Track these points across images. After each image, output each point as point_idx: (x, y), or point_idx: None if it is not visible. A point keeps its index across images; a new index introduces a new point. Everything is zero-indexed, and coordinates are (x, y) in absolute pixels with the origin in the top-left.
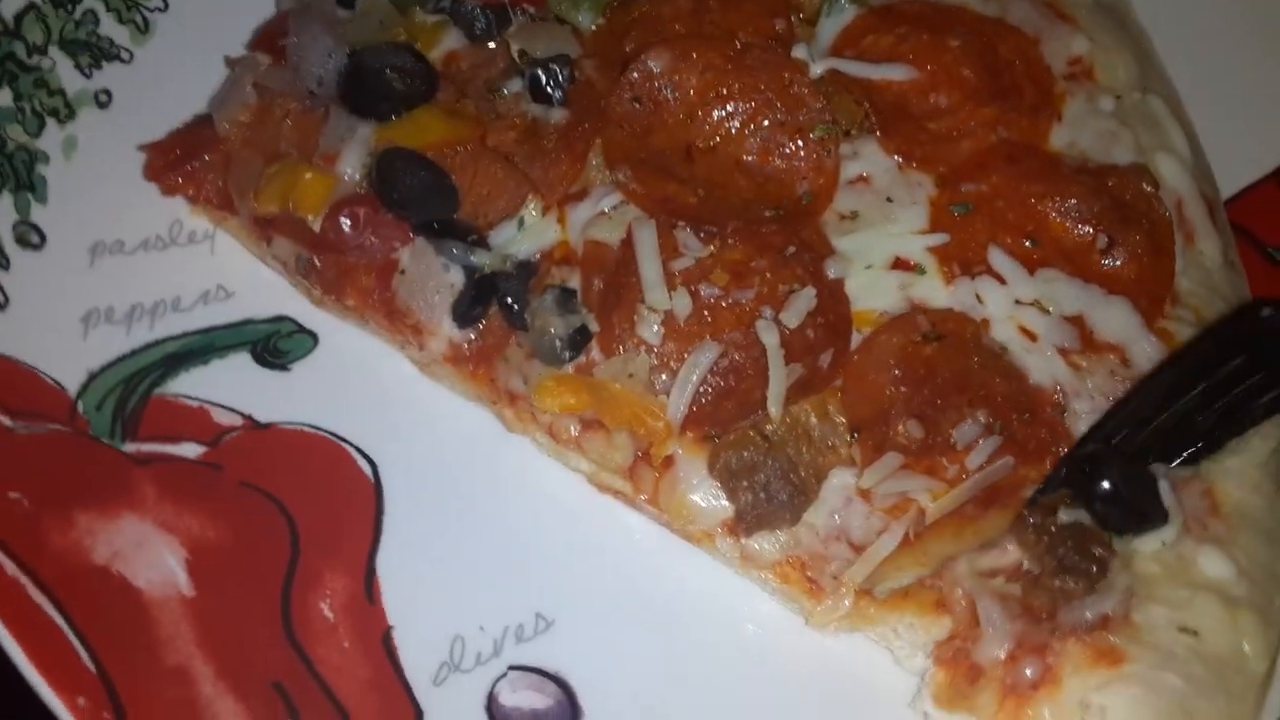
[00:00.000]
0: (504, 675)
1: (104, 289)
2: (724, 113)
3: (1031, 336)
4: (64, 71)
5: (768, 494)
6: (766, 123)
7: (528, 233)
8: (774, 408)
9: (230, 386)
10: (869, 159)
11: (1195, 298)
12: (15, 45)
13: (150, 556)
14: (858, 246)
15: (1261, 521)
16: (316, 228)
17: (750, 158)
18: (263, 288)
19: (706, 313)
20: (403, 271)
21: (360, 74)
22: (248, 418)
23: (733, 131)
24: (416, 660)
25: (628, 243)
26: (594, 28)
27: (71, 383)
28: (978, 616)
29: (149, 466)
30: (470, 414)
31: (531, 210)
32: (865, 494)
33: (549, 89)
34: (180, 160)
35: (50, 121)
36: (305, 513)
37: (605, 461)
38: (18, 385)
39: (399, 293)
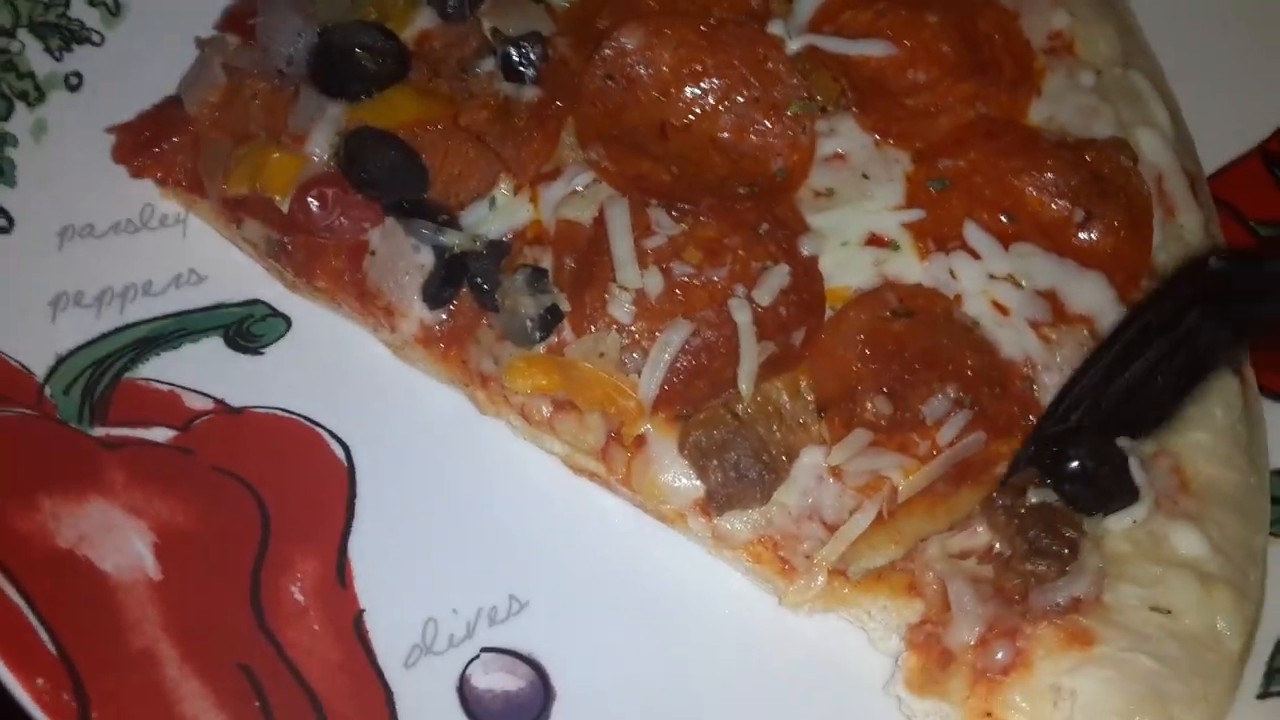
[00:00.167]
0: (476, 657)
1: (73, 272)
2: (698, 90)
3: (1004, 311)
4: (33, 54)
5: (738, 473)
6: (741, 99)
7: (499, 212)
8: (745, 386)
9: (202, 370)
10: (845, 136)
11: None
12: None
13: (117, 541)
14: (833, 223)
15: (1234, 496)
16: (285, 209)
17: (725, 135)
18: (235, 271)
19: (678, 291)
20: (373, 252)
21: (330, 53)
22: (220, 402)
23: (707, 108)
24: (388, 643)
25: (600, 221)
26: (567, 5)
27: (39, 366)
28: (949, 600)
29: (118, 451)
30: (444, 397)
31: (503, 190)
32: (837, 472)
33: (521, 67)
34: (149, 142)
35: (19, 105)
36: (277, 496)
37: (578, 443)
38: None
39: (369, 274)
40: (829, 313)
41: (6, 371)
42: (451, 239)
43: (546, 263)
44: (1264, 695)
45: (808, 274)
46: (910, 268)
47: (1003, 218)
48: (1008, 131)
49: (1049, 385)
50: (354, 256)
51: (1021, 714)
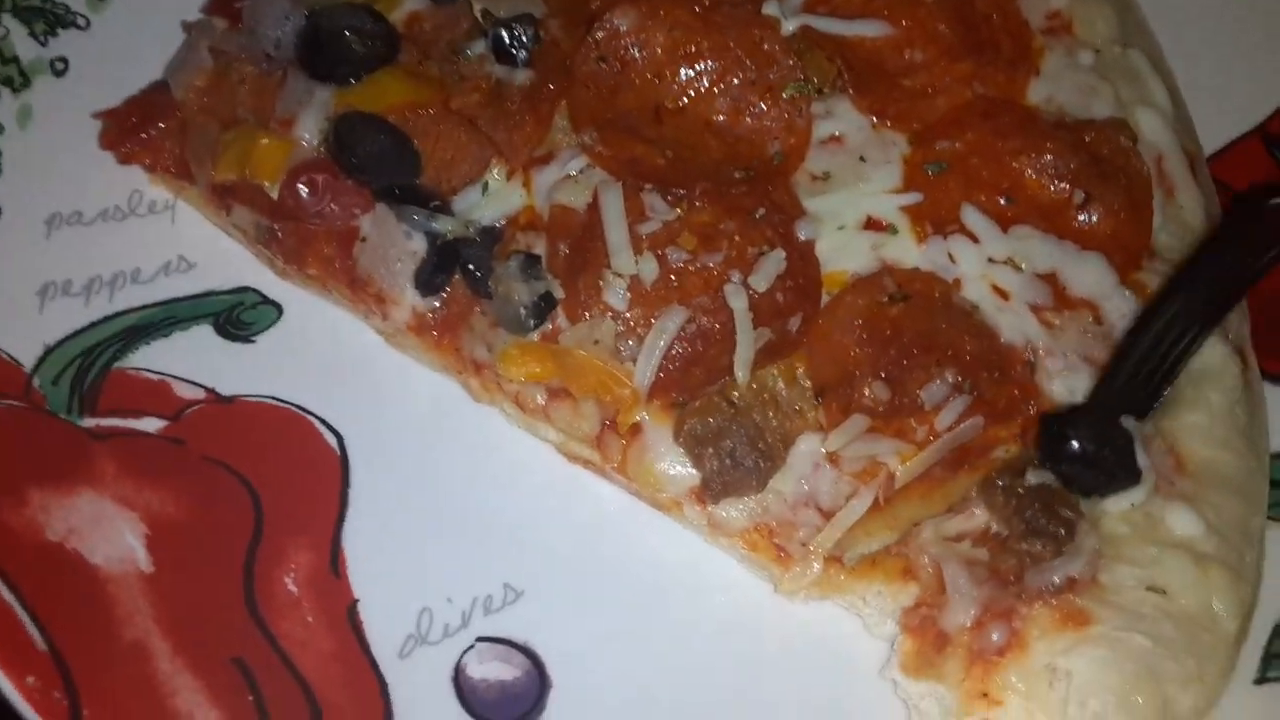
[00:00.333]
0: (471, 647)
1: (61, 261)
2: (693, 72)
3: (1004, 295)
4: (18, 39)
5: (734, 460)
6: (736, 81)
7: (492, 198)
8: (741, 373)
9: (192, 359)
10: (842, 118)
11: (1174, 252)
12: None
13: (108, 533)
14: (829, 207)
15: (1233, 477)
16: (274, 195)
17: (720, 118)
18: (225, 258)
19: (673, 277)
20: (364, 239)
21: (318, 36)
22: (210, 391)
23: (702, 91)
24: (382, 633)
25: (594, 207)
26: None
27: (27, 357)
28: (944, 583)
29: (108, 441)
30: (437, 384)
31: (496, 174)
32: (834, 459)
33: (513, 49)
34: (136, 128)
35: (4, 91)
36: (269, 486)
37: (572, 430)
38: None
39: (360, 261)
40: (826, 298)
41: None
42: (444, 225)
43: (540, 249)
44: (1261, 680)
45: (804, 259)
46: (908, 251)
47: (1001, 200)
48: (1006, 112)
49: (1053, 370)
50: (345, 243)
51: (1018, 694)
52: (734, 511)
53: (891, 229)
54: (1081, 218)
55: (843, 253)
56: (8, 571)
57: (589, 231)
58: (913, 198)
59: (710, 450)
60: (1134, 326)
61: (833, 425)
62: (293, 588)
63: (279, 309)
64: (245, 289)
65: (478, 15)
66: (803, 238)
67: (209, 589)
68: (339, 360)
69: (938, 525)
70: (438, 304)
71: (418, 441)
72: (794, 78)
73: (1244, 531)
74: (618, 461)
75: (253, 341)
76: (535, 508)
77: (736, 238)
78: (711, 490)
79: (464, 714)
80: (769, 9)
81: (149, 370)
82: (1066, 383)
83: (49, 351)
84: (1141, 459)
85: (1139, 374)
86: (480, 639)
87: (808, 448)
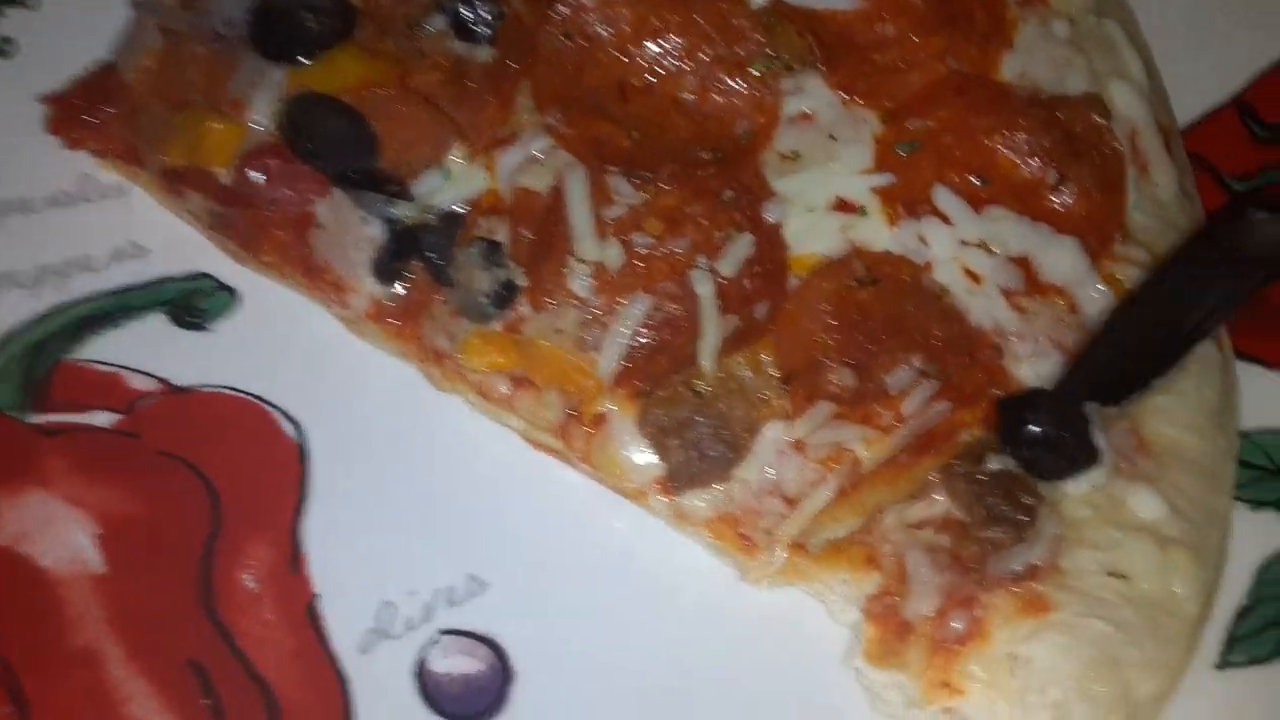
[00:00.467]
0: (435, 641)
1: (9, 250)
2: (659, 48)
3: (976, 278)
4: None
5: (698, 451)
6: (704, 58)
7: (453, 181)
8: (707, 362)
9: (146, 349)
10: (812, 94)
11: (1148, 232)
12: None
13: (58, 534)
14: (798, 188)
15: (1198, 459)
16: (227, 181)
17: (688, 95)
18: (179, 244)
19: (639, 263)
20: (320, 225)
21: (270, 13)
22: (165, 382)
23: (669, 68)
24: (343, 629)
25: (558, 191)
26: None
27: None
28: (906, 571)
29: (58, 438)
30: (400, 372)
31: (457, 157)
32: (799, 446)
33: (474, 26)
34: (84, 112)
35: None
36: (227, 480)
37: (536, 420)
38: None
39: (317, 248)
40: (793, 281)
41: None
42: (402, 211)
43: (502, 235)
44: (1223, 665)
45: (771, 242)
46: (879, 234)
47: (974, 180)
48: (979, 88)
49: (1022, 356)
50: (301, 229)
51: (979, 683)
52: (699, 501)
53: (861, 210)
54: (1055, 198)
55: (811, 235)
56: None
57: (553, 216)
58: (884, 179)
59: (675, 441)
60: (1110, 317)
61: (798, 412)
62: (251, 585)
63: (235, 295)
64: (200, 275)
65: None
66: (770, 220)
67: (164, 589)
68: (298, 348)
69: (900, 512)
70: (398, 291)
71: (379, 430)
72: (763, 54)
73: (1208, 513)
74: (582, 451)
75: (208, 329)
76: (500, 497)
77: (703, 221)
78: (676, 481)
79: (426, 709)
80: None
81: (101, 362)
82: (1035, 368)
83: None
84: (1100, 440)
85: (1113, 365)
86: (443, 632)
87: (773, 435)
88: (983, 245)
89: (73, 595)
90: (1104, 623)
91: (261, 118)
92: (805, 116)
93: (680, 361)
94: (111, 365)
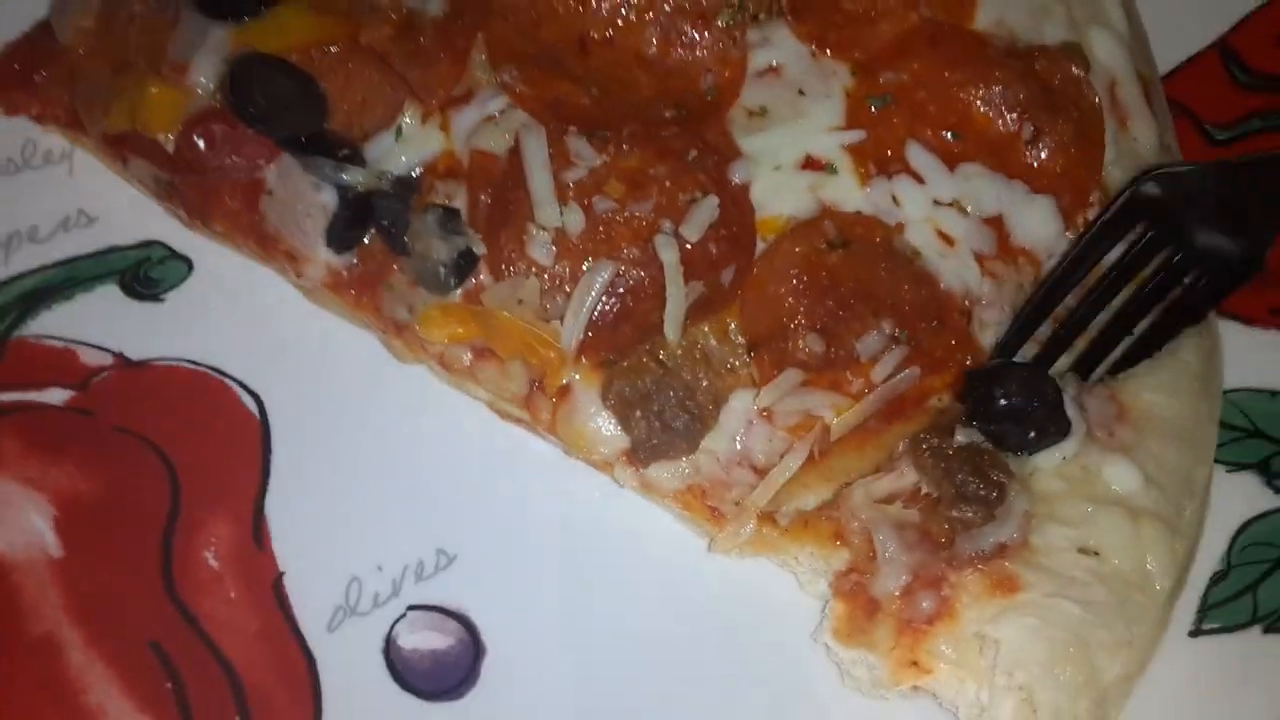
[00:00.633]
0: (403, 616)
1: None
2: None
3: (949, 241)
4: None
5: (663, 423)
6: (668, 8)
7: (406, 143)
8: (672, 332)
9: (98, 323)
10: (779, 46)
11: None
12: None
13: (12, 517)
14: (766, 146)
15: (1176, 426)
16: (171, 147)
17: (650, 49)
18: (128, 210)
19: (601, 228)
20: (270, 192)
21: None
22: (119, 356)
23: (630, 19)
24: (309, 606)
25: (516, 153)
26: None
27: None
28: (874, 549)
29: (10, 417)
30: (362, 341)
31: (410, 119)
32: (767, 414)
33: None
34: (20, 75)
35: None
36: (186, 457)
37: (500, 391)
38: None
39: (268, 216)
40: (761, 245)
41: None
42: (354, 176)
43: (460, 200)
44: (1196, 633)
45: (738, 205)
46: (849, 193)
47: (948, 135)
48: (954, 39)
49: (989, 322)
50: (251, 197)
51: (948, 663)
52: (666, 473)
53: (831, 168)
54: (1030, 153)
55: (779, 195)
56: None
57: (511, 180)
58: (855, 135)
59: (639, 413)
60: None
61: (766, 380)
62: (214, 564)
63: (189, 264)
64: (151, 243)
65: None
66: (737, 181)
67: (123, 571)
68: (256, 317)
69: (868, 487)
70: (354, 260)
71: (343, 402)
72: (728, 3)
73: (1186, 482)
74: (548, 423)
75: (162, 300)
76: (468, 468)
77: (667, 183)
78: (641, 454)
79: (395, 686)
80: None
81: (51, 337)
82: (1000, 334)
83: None
84: (1072, 410)
85: (1106, 337)
86: (412, 607)
87: (740, 405)
88: (956, 205)
89: (28, 581)
90: (1073, 604)
91: (205, 80)
92: (773, 70)
93: (645, 330)
94: (63, 340)
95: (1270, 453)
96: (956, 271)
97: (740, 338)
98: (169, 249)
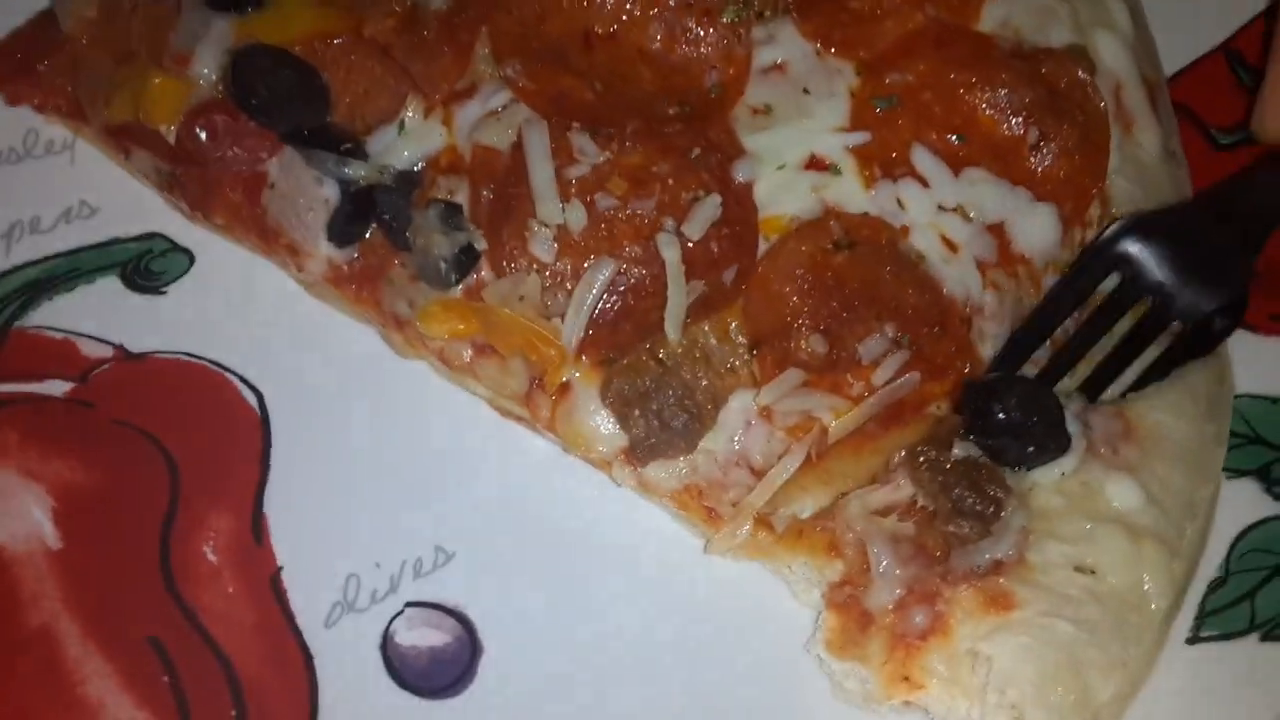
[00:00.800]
0: (400, 613)
1: None
2: None
3: (952, 247)
4: None
5: (662, 422)
6: (672, 3)
7: (409, 137)
8: (673, 331)
9: (99, 314)
10: (785, 44)
11: (1131, 202)
12: None
13: (12, 509)
14: (770, 145)
15: (1182, 446)
16: (172, 138)
17: (654, 45)
18: (131, 202)
19: (603, 225)
20: (272, 185)
21: None
22: (119, 348)
23: (634, 14)
24: (307, 602)
25: (519, 148)
26: None
27: None
28: (868, 562)
29: (10, 408)
30: (363, 336)
31: (413, 112)
32: (767, 414)
33: None
34: (23, 64)
35: None
36: (186, 450)
37: (500, 388)
38: None
39: (270, 209)
40: (764, 244)
41: None
42: (356, 171)
43: (461, 195)
44: (1193, 640)
45: (741, 204)
46: (854, 195)
47: (953, 138)
48: (959, 39)
49: (988, 333)
50: (253, 189)
51: (940, 679)
52: (664, 472)
53: (834, 169)
54: (1035, 158)
55: (782, 194)
56: None
57: (513, 176)
58: (860, 137)
59: (637, 412)
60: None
61: (766, 380)
62: (212, 558)
63: (190, 256)
64: (153, 235)
65: None
66: (740, 180)
67: (122, 564)
68: (257, 312)
69: (864, 498)
70: (355, 255)
71: (343, 398)
72: None
73: (1187, 503)
74: (547, 420)
75: (163, 293)
76: (467, 465)
77: (670, 181)
78: (639, 453)
79: (392, 683)
80: None
81: (52, 328)
82: (998, 346)
83: None
84: (1074, 427)
85: (1115, 361)
86: (410, 604)
87: (740, 405)
88: (959, 210)
89: (27, 573)
90: (1068, 623)
91: (208, 71)
92: (777, 68)
93: (646, 329)
94: (64, 331)
95: (1270, 459)
96: (959, 278)
97: (741, 337)
98: (171, 241)
